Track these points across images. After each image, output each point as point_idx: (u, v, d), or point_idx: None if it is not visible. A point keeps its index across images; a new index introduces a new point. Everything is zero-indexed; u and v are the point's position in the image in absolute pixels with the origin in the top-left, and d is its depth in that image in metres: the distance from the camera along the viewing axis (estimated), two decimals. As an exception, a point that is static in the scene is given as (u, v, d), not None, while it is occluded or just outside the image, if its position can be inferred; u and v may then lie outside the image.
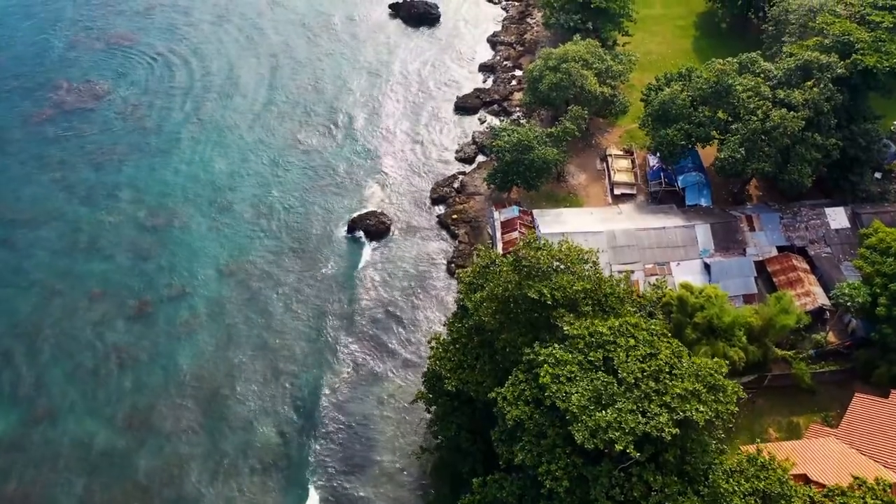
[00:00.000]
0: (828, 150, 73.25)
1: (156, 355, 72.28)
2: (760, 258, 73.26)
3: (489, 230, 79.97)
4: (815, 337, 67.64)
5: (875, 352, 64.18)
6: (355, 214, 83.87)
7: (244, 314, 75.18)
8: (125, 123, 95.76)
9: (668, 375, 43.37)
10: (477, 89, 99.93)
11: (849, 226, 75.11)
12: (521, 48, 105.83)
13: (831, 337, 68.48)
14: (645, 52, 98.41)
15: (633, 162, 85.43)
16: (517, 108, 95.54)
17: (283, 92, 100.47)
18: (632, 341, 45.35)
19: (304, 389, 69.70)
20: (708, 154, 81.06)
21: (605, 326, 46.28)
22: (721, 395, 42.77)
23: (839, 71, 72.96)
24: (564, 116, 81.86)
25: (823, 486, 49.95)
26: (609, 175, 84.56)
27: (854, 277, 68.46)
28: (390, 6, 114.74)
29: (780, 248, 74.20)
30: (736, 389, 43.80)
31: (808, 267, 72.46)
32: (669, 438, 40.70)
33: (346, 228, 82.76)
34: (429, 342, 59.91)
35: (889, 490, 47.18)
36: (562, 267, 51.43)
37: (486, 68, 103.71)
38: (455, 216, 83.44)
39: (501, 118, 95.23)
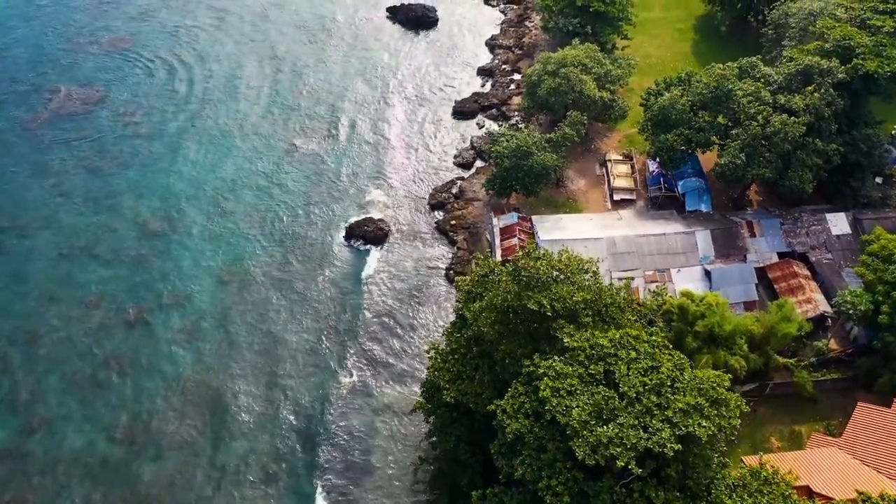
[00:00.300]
0: (829, 155, 72.74)
1: (154, 363, 71.65)
2: (761, 264, 72.68)
3: (488, 236, 79.44)
4: (816, 344, 67.07)
5: (877, 360, 63.63)
6: (353, 220, 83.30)
7: (242, 321, 74.58)
8: (122, 128, 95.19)
9: (669, 389, 42.80)
10: (475, 93, 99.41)
11: (850, 231, 74.55)
12: (519, 52, 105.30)
13: (833, 344, 67.92)
14: (644, 56, 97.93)
15: (632, 167, 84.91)
16: (516, 113, 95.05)
17: (280, 97, 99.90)
18: (633, 354, 44.79)
19: (302, 398, 69.09)
20: (708, 159, 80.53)
21: (606, 339, 45.71)
22: (724, 409, 42.19)
23: (840, 76, 72.46)
24: (563, 122, 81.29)
25: (827, 498, 49.45)
26: (608, 180, 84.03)
27: (855, 284, 67.97)
28: (388, 10, 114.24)
29: (780, 255, 73.59)
30: (739, 403, 43.26)
31: (809, 273, 71.93)
32: (671, 454, 40.15)
33: (343, 235, 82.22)
34: (427, 352, 59.33)
35: (894, 504, 46.66)
36: (561, 277, 50.85)
37: (484, 72, 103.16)
38: (453, 222, 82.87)
39: (500, 123, 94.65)
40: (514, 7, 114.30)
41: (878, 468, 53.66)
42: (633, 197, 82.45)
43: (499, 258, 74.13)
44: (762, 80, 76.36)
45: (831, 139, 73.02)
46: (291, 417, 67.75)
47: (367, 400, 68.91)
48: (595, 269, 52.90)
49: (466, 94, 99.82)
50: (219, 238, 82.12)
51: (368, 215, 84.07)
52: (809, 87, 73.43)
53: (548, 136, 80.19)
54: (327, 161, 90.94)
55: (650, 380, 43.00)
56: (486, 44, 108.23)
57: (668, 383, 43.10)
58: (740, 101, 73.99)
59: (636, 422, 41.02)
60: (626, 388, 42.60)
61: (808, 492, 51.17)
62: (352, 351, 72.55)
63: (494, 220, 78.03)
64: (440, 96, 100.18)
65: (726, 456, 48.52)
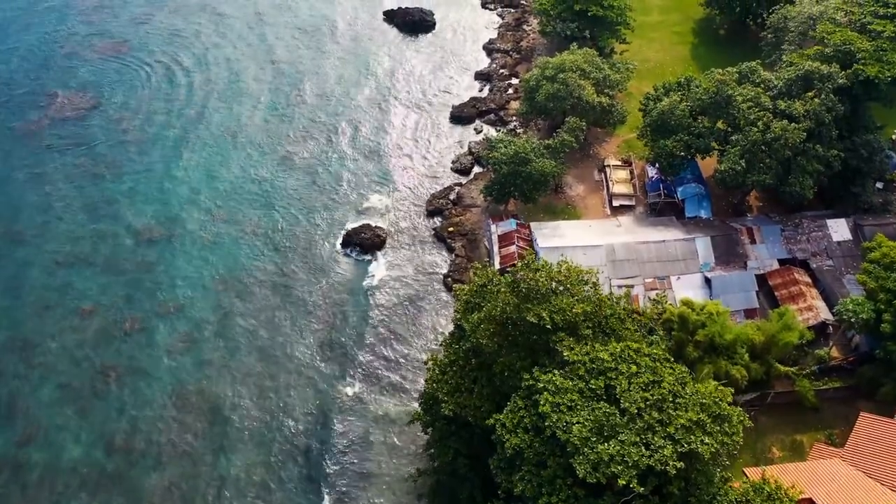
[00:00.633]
0: (829, 161, 72.24)
1: (151, 372, 70.81)
2: (762, 271, 72.11)
3: (486, 243, 78.82)
4: (817, 353, 66.50)
5: (880, 368, 63.09)
6: (350, 227, 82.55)
7: (239, 331, 73.82)
8: (118, 134, 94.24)
9: (671, 404, 42.22)
10: (473, 98, 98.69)
11: (851, 238, 74.01)
12: (517, 56, 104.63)
13: (834, 352, 67.39)
14: (642, 60, 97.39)
15: (631, 172, 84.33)
16: (514, 118, 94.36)
17: (277, 102, 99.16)
18: (634, 368, 44.20)
19: (299, 407, 68.38)
20: (707, 165, 79.97)
21: (607, 352, 45.11)
22: (726, 425, 41.59)
23: (840, 81, 71.90)
24: (562, 127, 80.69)
25: (830, 511, 48.95)
26: (607, 186, 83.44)
27: (857, 291, 67.54)
28: (385, 13, 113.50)
29: (781, 261, 73.03)
30: (742, 418, 42.72)
31: (809, 280, 71.35)
32: (674, 472, 39.55)
33: (341, 242, 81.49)
34: (425, 363, 58.71)
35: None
36: (561, 288, 50.23)
37: (482, 76, 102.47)
38: (451, 229, 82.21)
39: (498, 128, 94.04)
40: (512, 11, 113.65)
41: (881, 480, 53.08)
42: (633, 203, 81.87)
43: (497, 266, 73.61)
44: (762, 85, 75.80)
45: (832, 145, 72.50)
46: (289, 427, 67.05)
47: (365, 409, 68.21)
48: (595, 280, 52.27)
49: (464, 98, 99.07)
50: (215, 246, 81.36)
51: (366, 222, 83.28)
52: (810, 93, 72.89)
53: (546, 142, 79.58)
54: (324, 167, 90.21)
55: (651, 395, 42.40)
56: (484, 48, 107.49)
57: (670, 398, 42.52)
58: (740, 106, 73.43)
59: (638, 438, 40.43)
60: (627, 404, 41.99)
61: (811, 505, 50.69)
62: (349, 360, 71.83)
63: (493, 227, 77.43)
64: (438, 101, 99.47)
65: (728, 469, 47.93)
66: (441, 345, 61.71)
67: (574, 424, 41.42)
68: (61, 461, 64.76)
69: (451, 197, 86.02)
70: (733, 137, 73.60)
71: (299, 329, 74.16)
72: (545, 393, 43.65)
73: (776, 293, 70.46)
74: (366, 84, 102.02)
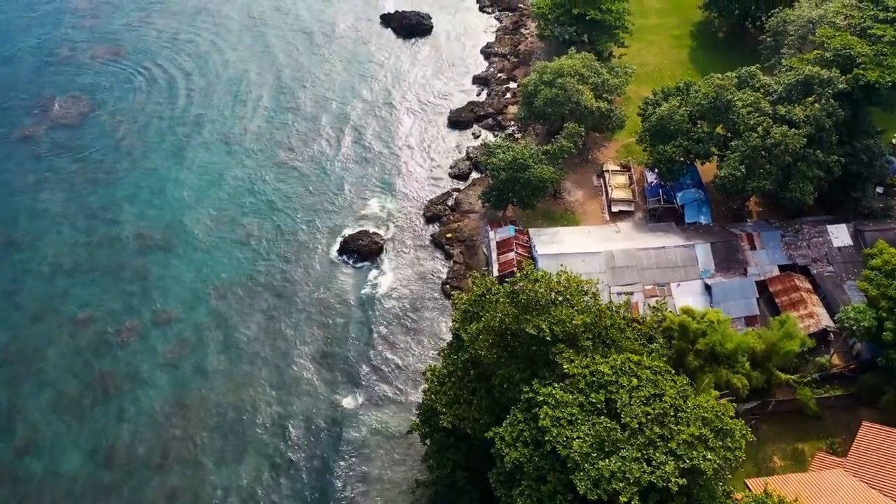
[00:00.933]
0: (829, 166, 71.75)
1: (144, 383, 70.14)
2: (762, 278, 71.55)
3: (484, 250, 78.25)
4: (819, 360, 65.94)
5: (881, 376, 62.55)
6: (347, 234, 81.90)
7: (234, 339, 73.19)
8: (115, 140, 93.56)
9: (673, 419, 41.65)
10: (471, 102, 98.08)
11: (851, 244, 73.43)
12: (515, 59, 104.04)
13: (835, 359, 66.86)
14: (641, 64, 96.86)
15: (630, 178, 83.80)
16: (512, 123, 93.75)
17: (272, 108, 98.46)
18: (634, 381, 43.64)
19: (295, 417, 67.76)
20: (707, 170, 79.43)
21: (607, 365, 44.55)
22: (729, 439, 41.03)
23: (841, 86, 71.43)
24: (560, 133, 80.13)
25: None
26: (606, 192, 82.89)
27: (857, 297, 67.01)
28: (382, 17, 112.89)
29: (781, 267, 72.50)
30: (744, 432, 42.16)
31: (810, 287, 70.80)
32: (676, 489, 39.00)
33: (337, 249, 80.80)
34: (423, 373, 58.12)
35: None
36: (560, 299, 49.64)
37: (479, 80, 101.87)
38: (449, 235, 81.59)
39: (496, 132, 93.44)
40: (510, 14, 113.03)
41: (884, 491, 52.62)
42: (632, 208, 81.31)
43: (496, 273, 73.06)
44: (762, 90, 75.33)
45: (832, 150, 72.00)
46: (287, 437, 66.40)
47: (364, 418, 67.55)
48: (595, 291, 51.69)
49: (462, 103, 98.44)
50: (212, 253, 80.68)
51: (363, 228, 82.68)
52: (810, 98, 72.38)
53: (545, 148, 78.98)
54: (321, 173, 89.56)
55: (653, 409, 41.85)
56: (482, 51, 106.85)
57: (672, 412, 41.97)
58: (740, 111, 72.93)
59: (639, 454, 39.89)
60: (628, 419, 41.45)
61: (813, 517, 50.15)
62: (347, 368, 71.24)
63: (491, 234, 76.85)
64: (435, 105, 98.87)
65: (729, 482, 47.34)
66: (439, 354, 61.14)
67: (574, 440, 40.87)
68: (59, 471, 64.04)
69: (449, 203, 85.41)
70: (733, 143, 73.11)
71: (296, 337, 73.52)
72: (545, 407, 43.10)
73: (777, 300, 69.89)
74: (362, 89, 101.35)
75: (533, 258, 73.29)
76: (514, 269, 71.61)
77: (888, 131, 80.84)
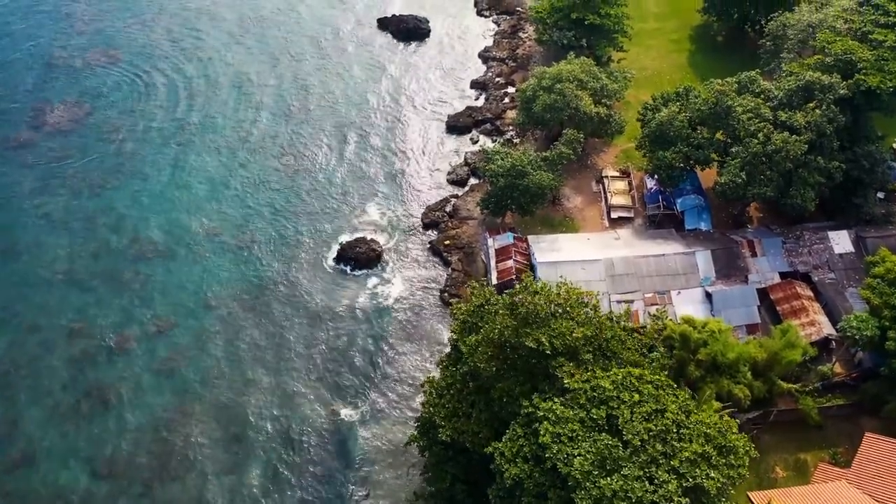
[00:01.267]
0: (831, 172, 71.17)
1: (139, 394, 69.45)
2: (763, 285, 70.97)
3: (483, 257, 77.59)
4: (820, 369, 65.40)
5: (884, 385, 61.96)
6: (344, 241, 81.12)
7: (229, 350, 72.46)
8: (108, 146, 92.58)
9: (675, 435, 41.02)
10: (469, 107, 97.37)
11: (853, 250, 72.88)
12: (513, 64, 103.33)
13: (837, 368, 66.29)
14: (640, 68, 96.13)
15: (629, 183, 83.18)
16: (510, 128, 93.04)
17: (268, 112, 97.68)
18: (636, 396, 43.01)
19: (292, 428, 67.06)
20: (707, 175, 78.85)
21: (608, 380, 43.89)
22: (732, 457, 40.40)
23: (842, 92, 70.84)
24: (559, 139, 79.49)
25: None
26: (605, 197, 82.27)
27: (859, 304, 66.48)
28: (379, 21, 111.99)
29: (782, 274, 71.93)
30: (748, 449, 41.51)
31: (812, 294, 70.21)
32: (679, 508, 38.47)
33: (334, 257, 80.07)
34: (421, 385, 57.47)
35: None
36: (560, 311, 48.98)
37: (477, 85, 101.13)
38: (447, 242, 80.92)
39: (494, 138, 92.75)
40: (508, 18, 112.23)
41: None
42: (631, 215, 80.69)
43: (494, 281, 72.46)
44: (762, 95, 74.73)
45: (833, 156, 71.41)
46: (282, 448, 65.74)
47: (361, 429, 66.87)
48: (595, 303, 51.05)
49: (460, 107, 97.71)
50: (207, 261, 79.93)
51: (360, 235, 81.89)
52: (811, 104, 71.76)
53: (543, 154, 78.35)
54: (318, 180, 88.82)
55: (655, 425, 41.24)
56: (480, 56, 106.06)
57: (674, 429, 41.38)
58: (740, 117, 72.33)
59: (641, 473, 39.28)
60: (630, 436, 40.81)
61: (817, 531, 49.55)
62: (345, 378, 70.56)
63: (490, 241, 76.21)
64: (433, 110, 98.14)
65: (732, 500, 46.71)
66: (438, 365, 60.49)
67: (576, 457, 40.23)
68: (55, 483, 63.37)
69: (447, 209, 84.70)
70: (733, 149, 72.54)
71: (294, 346, 72.83)
72: (545, 422, 42.47)
73: (778, 307, 69.32)
74: (360, 94, 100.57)
75: (532, 266, 72.71)
76: (513, 276, 71.06)
77: (889, 136, 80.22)
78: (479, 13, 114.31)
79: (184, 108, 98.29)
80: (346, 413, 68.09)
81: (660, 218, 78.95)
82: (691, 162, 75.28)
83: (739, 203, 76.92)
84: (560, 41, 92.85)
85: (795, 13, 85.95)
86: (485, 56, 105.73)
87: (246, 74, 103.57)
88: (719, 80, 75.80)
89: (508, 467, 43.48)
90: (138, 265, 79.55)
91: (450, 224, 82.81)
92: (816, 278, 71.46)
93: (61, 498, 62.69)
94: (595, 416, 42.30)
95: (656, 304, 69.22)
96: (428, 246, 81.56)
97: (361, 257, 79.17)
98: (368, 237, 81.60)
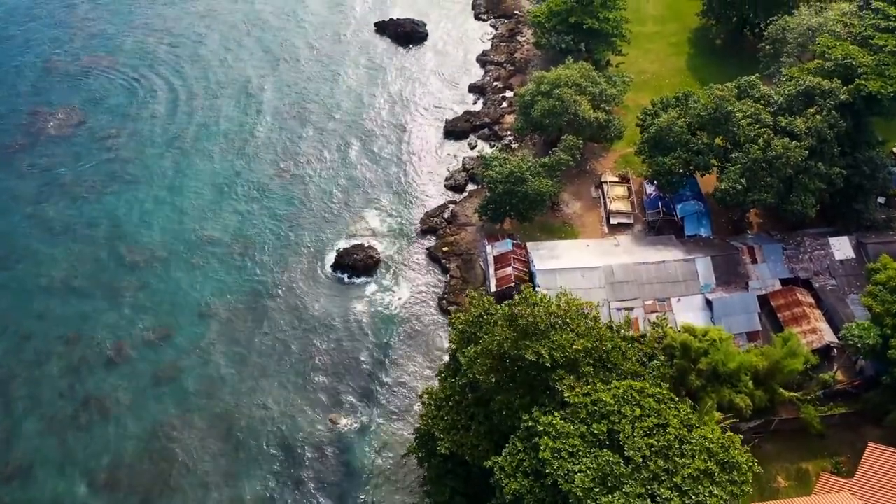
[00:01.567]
0: (832, 178, 70.72)
1: (137, 404, 68.80)
2: (764, 292, 70.50)
3: (481, 264, 77.05)
4: (822, 377, 64.83)
5: (886, 394, 61.44)
6: (342, 248, 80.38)
7: (226, 358, 71.84)
8: (102, 153, 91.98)
9: (677, 451, 40.44)
10: (467, 112, 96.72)
11: (854, 256, 72.39)
12: (511, 68, 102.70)
13: (839, 375, 65.78)
14: (638, 72, 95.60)
15: (629, 189, 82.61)
16: (508, 132, 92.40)
17: (265, 118, 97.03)
18: (637, 410, 42.47)
19: (290, 438, 66.42)
20: (707, 181, 78.28)
21: (609, 394, 43.33)
22: (735, 473, 39.86)
23: (842, 97, 70.35)
24: (558, 145, 78.94)
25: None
26: (605, 203, 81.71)
27: (860, 311, 66.07)
28: (376, 24, 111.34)
29: (783, 281, 71.47)
30: (751, 465, 40.97)
31: (813, 301, 69.76)
32: (682, 527, 37.93)
33: (332, 264, 79.43)
34: (420, 396, 56.90)
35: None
36: (559, 323, 48.40)
37: (475, 89, 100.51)
38: (446, 248, 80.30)
39: (492, 143, 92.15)
40: (505, 21, 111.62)
41: (891, 515, 51.60)
42: (631, 220, 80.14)
43: (493, 288, 72.00)
44: (762, 100, 74.24)
45: (834, 162, 70.96)
46: (278, 459, 65.12)
47: (360, 438, 66.32)
48: (596, 314, 50.50)
49: (458, 112, 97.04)
50: (203, 269, 79.30)
51: (358, 242, 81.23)
52: (811, 109, 71.25)
53: (542, 160, 77.77)
54: (315, 185, 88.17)
55: (657, 441, 40.67)
56: (478, 59, 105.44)
57: (676, 444, 40.82)
58: (740, 122, 71.87)
59: (643, 490, 38.74)
60: (631, 452, 40.24)
61: (820, 544, 49.07)
62: (342, 387, 69.94)
63: (488, 248, 75.69)
64: (430, 115, 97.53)
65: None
66: (436, 375, 59.92)
67: (576, 473, 39.66)
68: (51, 497, 62.70)
69: (445, 215, 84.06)
70: (733, 154, 72.03)
71: (291, 355, 72.23)
72: (545, 437, 41.89)
73: (779, 314, 68.86)
74: (356, 98, 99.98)
75: (531, 273, 72.19)
76: (512, 284, 70.58)
77: (889, 141, 79.73)
78: (477, 17, 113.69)
79: (180, 114, 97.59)
80: (344, 423, 67.50)
81: (659, 224, 78.44)
82: (691, 167, 74.75)
83: (739, 209, 76.39)
84: (558, 45, 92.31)
85: (795, 17, 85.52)
86: (483, 60, 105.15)
87: (243, 79, 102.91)
88: (719, 86, 75.27)
89: (508, 482, 42.94)
90: (134, 273, 78.97)
91: (448, 230, 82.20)
92: (817, 285, 71.04)
93: (59, 510, 62.10)
94: (596, 431, 41.74)
95: (656, 312, 68.73)
96: (426, 252, 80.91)
97: (359, 264, 78.53)
98: (366, 244, 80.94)
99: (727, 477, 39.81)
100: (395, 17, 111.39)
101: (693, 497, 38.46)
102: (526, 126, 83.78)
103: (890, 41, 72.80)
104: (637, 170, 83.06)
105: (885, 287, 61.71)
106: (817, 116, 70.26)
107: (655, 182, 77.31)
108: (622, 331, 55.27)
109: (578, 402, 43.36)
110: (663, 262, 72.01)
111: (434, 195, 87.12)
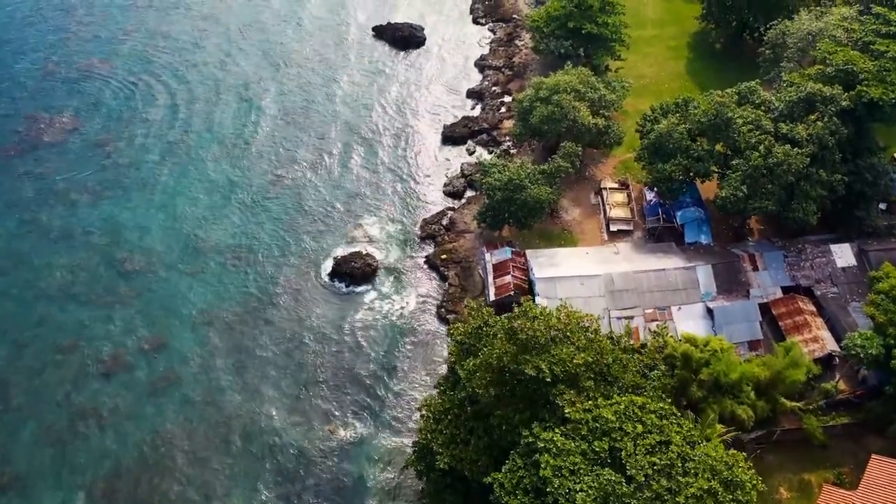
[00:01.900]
0: (833, 185, 70.20)
1: (134, 413, 67.98)
2: (765, 300, 69.96)
3: (480, 272, 76.48)
4: (824, 386, 64.31)
5: (889, 404, 60.91)
6: (340, 256, 79.79)
7: (224, 368, 71.11)
8: (98, 159, 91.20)
9: (680, 470, 39.87)
10: (465, 117, 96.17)
11: (855, 263, 71.85)
12: (510, 72, 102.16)
13: (841, 384, 65.26)
14: (637, 76, 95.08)
15: (629, 196, 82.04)
16: (507, 138, 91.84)
17: (262, 123, 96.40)
18: (639, 427, 41.91)
19: (288, 450, 65.72)
20: (707, 188, 77.79)
21: (610, 410, 42.75)
22: (739, 492, 39.31)
23: (844, 103, 69.84)
24: (557, 151, 78.40)
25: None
26: (604, 210, 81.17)
27: (862, 319, 65.51)
28: (374, 29, 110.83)
29: (784, 289, 70.93)
30: (755, 483, 40.43)
31: (814, 309, 69.24)
32: (685, 548, 37.39)
33: (329, 272, 78.75)
34: (419, 409, 56.31)
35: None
36: (560, 336, 47.82)
37: (474, 94, 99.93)
38: (444, 256, 79.71)
39: (491, 148, 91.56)
40: (504, 25, 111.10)
41: (895, 529, 51.09)
42: (630, 227, 79.59)
43: (492, 297, 71.46)
44: (762, 106, 73.73)
45: (835, 168, 70.46)
46: (275, 470, 64.39)
47: (357, 451, 65.61)
48: (596, 327, 49.94)
49: (456, 117, 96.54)
50: (200, 276, 78.60)
51: (355, 250, 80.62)
52: (812, 116, 70.73)
53: (541, 167, 77.21)
54: (312, 192, 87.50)
55: (659, 459, 40.10)
56: (476, 64, 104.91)
57: (679, 463, 40.23)
58: (740, 129, 71.34)
59: (646, 510, 38.17)
60: (633, 471, 39.66)
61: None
62: (340, 397, 69.26)
63: (487, 256, 75.11)
64: (428, 120, 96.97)
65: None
66: (435, 387, 59.33)
67: (578, 493, 39.08)
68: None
69: (444, 222, 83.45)
70: (734, 161, 71.53)
71: (287, 365, 71.56)
72: (546, 455, 41.32)
73: (780, 323, 68.34)
74: (353, 103, 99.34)
75: (530, 281, 71.66)
76: (511, 292, 70.06)
77: (891, 147, 79.30)
78: (475, 21, 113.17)
79: (179, 119, 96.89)
80: (343, 433, 66.85)
81: (659, 231, 77.89)
82: (691, 174, 74.24)
83: (740, 216, 75.86)
84: (557, 50, 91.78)
85: (795, 21, 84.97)
86: (481, 64, 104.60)
87: (240, 84, 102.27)
88: (719, 91, 74.79)
89: (508, 499, 42.36)
90: (128, 281, 78.19)
91: (446, 237, 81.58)
92: (819, 292, 70.48)
93: (53, 523, 61.47)
94: (597, 449, 41.16)
95: (657, 320, 68.16)
96: (424, 260, 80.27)
97: (357, 272, 77.87)
98: (363, 251, 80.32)
99: (731, 496, 39.28)
100: (393, 22, 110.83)
101: (696, 517, 38.05)
102: (524, 132, 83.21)
103: (891, 47, 72.21)
104: (637, 176, 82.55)
105: (887, 296, 61.14)
106: (818, 123, 69.73)
107: (655, 189, 76.82)
108: (623, 342, 54.62)
109: (579, 418, 42.78)
110: (663, 269, 71.46)
111: (432, 201, 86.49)
